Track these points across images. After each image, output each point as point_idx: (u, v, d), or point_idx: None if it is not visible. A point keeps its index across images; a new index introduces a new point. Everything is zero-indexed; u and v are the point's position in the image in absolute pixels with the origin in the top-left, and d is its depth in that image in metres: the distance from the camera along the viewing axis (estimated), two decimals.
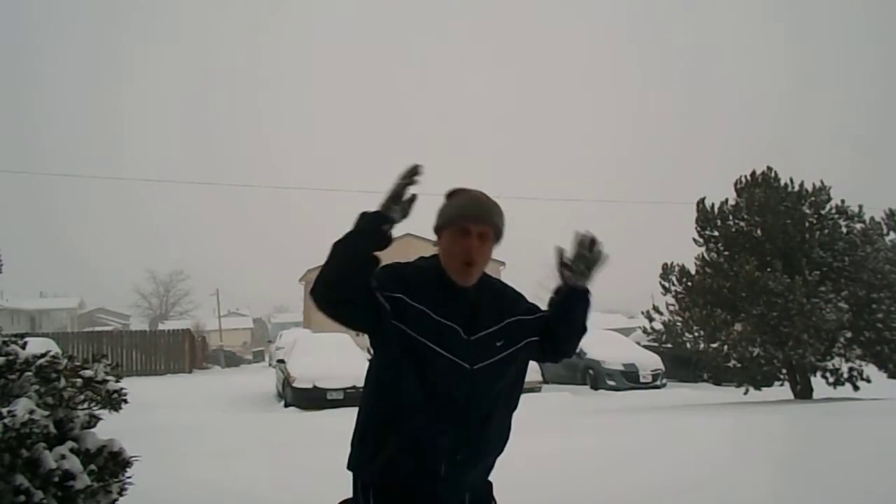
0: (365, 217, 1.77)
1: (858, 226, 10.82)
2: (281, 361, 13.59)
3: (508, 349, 1.92)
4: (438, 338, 1.83)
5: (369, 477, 1.87)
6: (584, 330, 2.04)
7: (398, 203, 1.76)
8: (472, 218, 1.89)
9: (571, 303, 1.98)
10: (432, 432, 1.81)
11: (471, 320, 1.88)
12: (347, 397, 12.05)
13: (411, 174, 1.76)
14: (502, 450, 1.99)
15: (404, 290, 1.85)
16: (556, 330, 2.00)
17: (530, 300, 2.05)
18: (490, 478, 2.00)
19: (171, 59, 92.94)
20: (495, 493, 2.01)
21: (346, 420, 1.89)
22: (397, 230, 1.80)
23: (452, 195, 1.97)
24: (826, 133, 74.37)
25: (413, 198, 1.78)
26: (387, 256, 1.83)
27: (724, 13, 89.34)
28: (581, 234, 1.97)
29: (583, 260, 1.96)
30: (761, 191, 10.90)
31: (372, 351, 1.99)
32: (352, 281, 1.75)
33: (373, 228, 1.75)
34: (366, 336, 1.92)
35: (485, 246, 1.90)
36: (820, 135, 72.62)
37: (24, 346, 3.07)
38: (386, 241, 1.76)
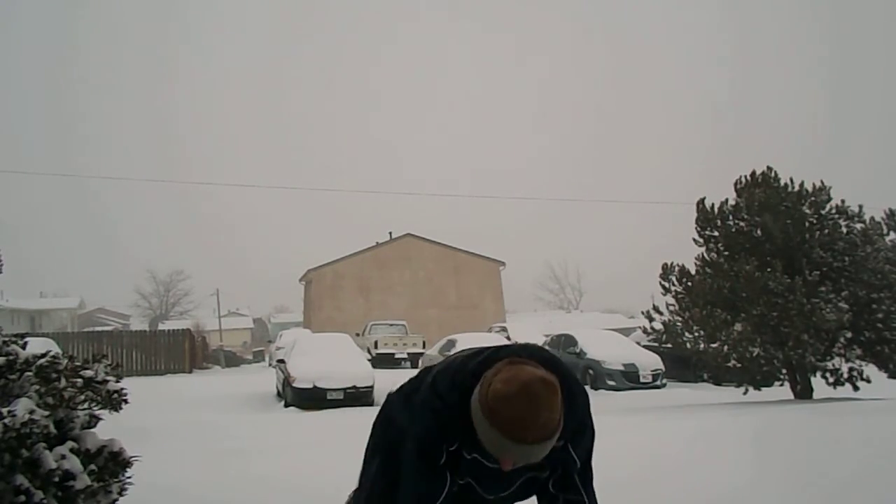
0: None
1: (858, 226, 10.82)
2: (281, 361, 13.60)
3: (534, 471, 1.92)
4: (477, 478, 1.87)
5: None
6: None
7: None
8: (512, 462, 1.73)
9: None
10: None
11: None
12: (347, 397, 12.09)
13: None
14: None
15: (453, 439, 1.83)
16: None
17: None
18: None
19: (169, 58, 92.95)
20: None
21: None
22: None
23: (506, 422, 1.64)
24: (827, 133, 74.39)
25: None
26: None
27: (725, 12, 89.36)
28: None
29: None
30: (761, 191, 10.89)
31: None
32: None
33: None
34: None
35: None
36: (821, 135, 72.62)
37: (24, 346, 3.07)
38: None
